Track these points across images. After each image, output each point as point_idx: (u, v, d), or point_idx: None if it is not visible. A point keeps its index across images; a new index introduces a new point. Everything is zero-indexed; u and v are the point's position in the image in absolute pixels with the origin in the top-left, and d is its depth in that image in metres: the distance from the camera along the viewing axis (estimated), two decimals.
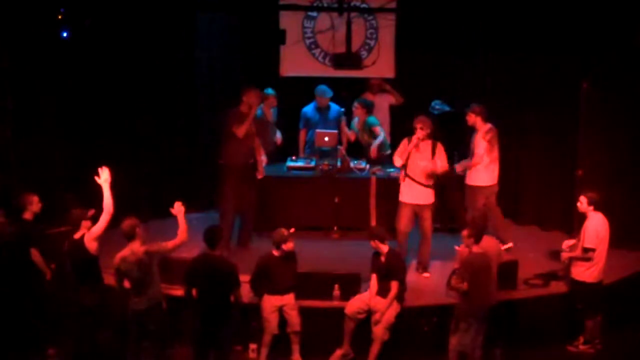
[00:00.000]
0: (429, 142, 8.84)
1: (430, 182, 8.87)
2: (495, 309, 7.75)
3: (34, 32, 9.21)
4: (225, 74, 11.44)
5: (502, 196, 10.85)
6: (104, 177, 7.40)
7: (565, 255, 8.35)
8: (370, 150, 10.50)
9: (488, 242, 7.78)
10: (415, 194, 8.90)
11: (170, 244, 7.33)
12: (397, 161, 8.95)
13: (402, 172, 8.93)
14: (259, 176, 9.70)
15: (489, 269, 7.54)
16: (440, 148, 8.87)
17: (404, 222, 8.93)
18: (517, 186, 10.99)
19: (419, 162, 8.84)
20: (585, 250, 8.10)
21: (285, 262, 7.98)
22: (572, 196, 8.42)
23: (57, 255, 7.89)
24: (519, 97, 10.67)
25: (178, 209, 7.45)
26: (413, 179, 8.87)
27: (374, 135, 10.56)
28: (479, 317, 7.52)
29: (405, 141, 8.95)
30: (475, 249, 7.54)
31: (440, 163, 8.80)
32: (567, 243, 8.46)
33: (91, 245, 7.42)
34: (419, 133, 8.76)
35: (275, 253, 7.96)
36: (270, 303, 7.97)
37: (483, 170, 9.43)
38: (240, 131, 9.33)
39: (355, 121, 10.66)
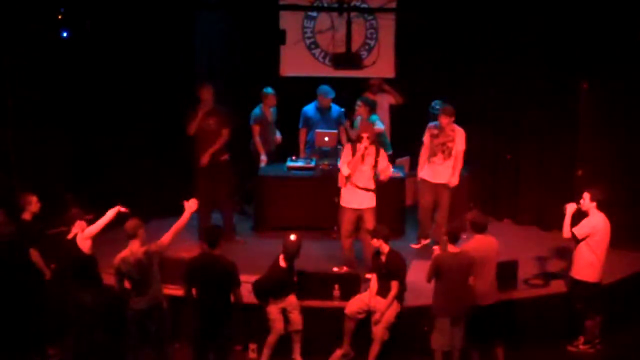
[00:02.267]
0: (372, 148, 8.82)
1: (372, 187, 8.87)
2: (494, 309, 7.76)
3: (34, 32, 9.21)
4: (225, 74, 11.44)
5: (502, 196, 10.88)
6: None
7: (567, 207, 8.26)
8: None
9: (484, 241, 7.78)
10: (356, 198, 8.88)
11: (165, 239, 7.32)
12: (345, 170, 8.85)
13: (344, 178, 8.91)
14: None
15: (463, 269, 7.55)
16: (382, 154, 8.88)
17: (346, 227, 8.94)
18: (517, 186, 10.99)
19: (361, 167, 8.80)
20: (573, 235, 8.09)
21: (291, 272, 8.05)
22: (572, 196, 8.41)
23: (57, 255, 7.90)
24: (518, 96, 10.66)
25: (191, 204, 7.52)
26: (356, 185, 8.84)
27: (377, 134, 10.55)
28: (451, 316, 7.55)
29: (348, 148, 8.93)
30: (451, 248, 7.59)
31: (383, 168, 8.85)
32: (571, 206, 8.31)
33: (84, 244, 7.44)
34: (366, 142, 8.71)
35: (284, 265, 7.97)
36: (276, 306, 8.00)
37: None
38: (190, 129, 9.61)
39: (359, 120, 10.66)
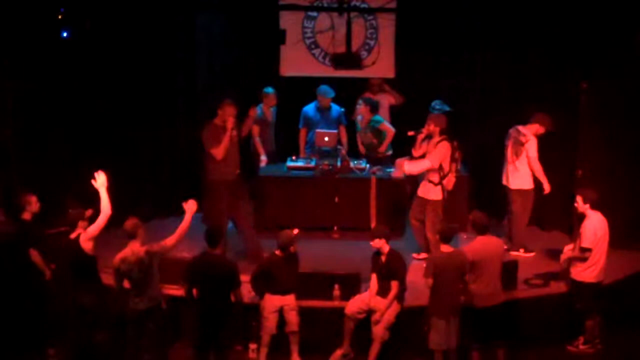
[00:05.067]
0: (435, 139, 9.08)
1: (434, 180, 9.03)
2: (499, 310, 7.76)
3: (34, 32, 9.22)
4: (225, 74, 11.44)
5: (501, 196, 10.87)
6: (100, 181, 7.41)
7: (563, 256, 8.34)
8: (381, 146, 10.61)
9: (487, 242, 7.78)
10: (422, 187, 9.24)
11: (169, 241, 7.30)
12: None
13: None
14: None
15: (457, 268, 7.58)
16: (435, 150, 9.02)
17: (412, 211, 9.33)
18: None
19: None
20: (583, 250, 8.09)
21: (288, 263, 7.98)
22: (572, 196, 8.42)
23: (57, 255, 7.89)
24: (518, 97, 10.66)
25: (191, 205, 7.47)
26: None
27: (379, 134, 10.56)
28: (446, 315, 7.57)
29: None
30: (444, 248, 7.64)
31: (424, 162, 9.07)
32: (569, 247, 8.44)
33: (87, 245, 7.42)
34: (426, 130, 9.14)
35: (279, 254, 7.96)
36: (271, 303, 7.97)
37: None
38: (219, 153, 8.94)
39: (359, 119, 10.66)
